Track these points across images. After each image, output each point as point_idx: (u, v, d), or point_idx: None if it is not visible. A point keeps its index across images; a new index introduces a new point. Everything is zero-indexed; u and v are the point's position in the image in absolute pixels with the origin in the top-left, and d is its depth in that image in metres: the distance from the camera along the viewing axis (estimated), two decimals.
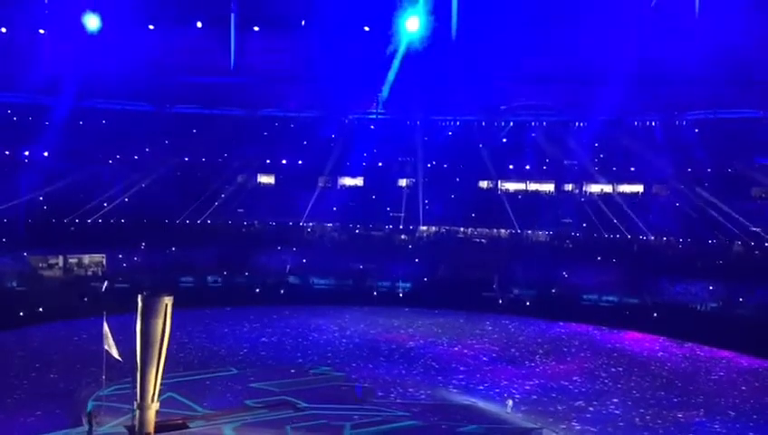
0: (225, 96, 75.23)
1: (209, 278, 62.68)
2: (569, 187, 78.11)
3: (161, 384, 27.92)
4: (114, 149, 74.71)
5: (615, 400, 36.13)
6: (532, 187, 79.19)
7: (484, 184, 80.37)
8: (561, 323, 55.78)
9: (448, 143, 78.11)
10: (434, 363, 42.71)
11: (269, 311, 56.73)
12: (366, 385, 36.79)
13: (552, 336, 51.90)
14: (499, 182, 79.53)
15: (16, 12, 64.39)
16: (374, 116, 79.28)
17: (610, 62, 59.58)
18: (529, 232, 74.02)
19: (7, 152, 71.22)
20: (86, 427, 28.00)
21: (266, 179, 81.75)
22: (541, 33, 63.84)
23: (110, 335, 29.36)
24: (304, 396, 33.75)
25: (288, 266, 64.62)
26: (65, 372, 36.94)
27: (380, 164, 79.19)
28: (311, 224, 75.82)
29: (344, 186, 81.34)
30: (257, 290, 61.28)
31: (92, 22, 61.34)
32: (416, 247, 72.29)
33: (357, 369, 40.43)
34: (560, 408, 34.41)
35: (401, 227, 75.63)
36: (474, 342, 49.18)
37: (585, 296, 59.53)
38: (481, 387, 37.87)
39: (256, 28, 69.87)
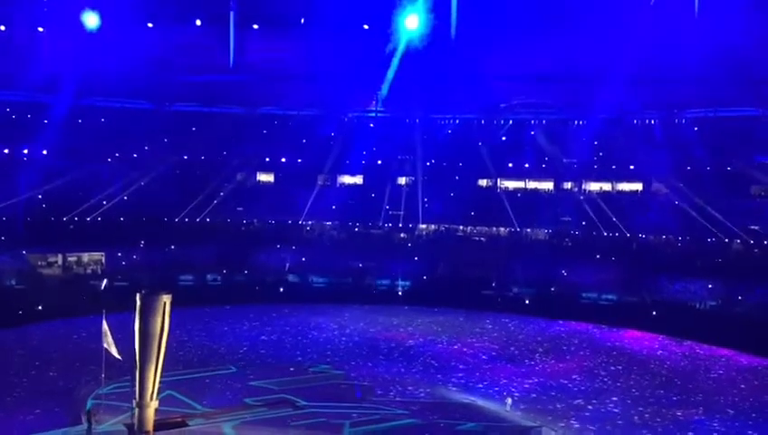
0: (224, 94, 75.13)
1: (209, 277, 62.69)
2: (568, 185, 78.09)
3: (160, 382, 27.91)
4: (113, 147, 74.62)
5: (614, 398, 36.15)
6: (532, 185, 79.15)
7: (483, 182, 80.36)
8: (561, 322, 55.82)
9: (448, 141, 78.08)
10: (433, 362, 42.73)
11: (268, 309, 56.78)
12: (365, 384, 36.82)
13: (552, 335, 51.92)
14: (498, 180, 79.51)
15: (15, 10, 64.29)
16: (373, 114, 79.24)
17: (610, 60, 59.52)
18: (528, 230, 74.04)
19: (6, 150, 71.21)
20: (85, 425, 28.00)
21: (266, 178, 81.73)
22: (540, 31, 63.76)
23: (109, 334, 29.34)
24: (304, 394, 33.75)
25: (287, 265, 64.64)
26: (65, 371, 36.94)
27: (380, 162, 79.16)
28: (310, 222, 75.83)
29: (343, 184, 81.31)
30: (257, 288, 61.26)
31: (91, 20, 61.26)
32: (415, 246, 72.33)
33: (356, 367, 40.45)
34: (559, 406, 34.42)
35: (401, 225, 75.66)
36: (473, 340, 49.19)
37: (584, 295, 59.55)
38: (480, 385, 37.89)
39: (256, 26, 69.78)
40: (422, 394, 35.91)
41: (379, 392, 35.58)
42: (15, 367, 37.41)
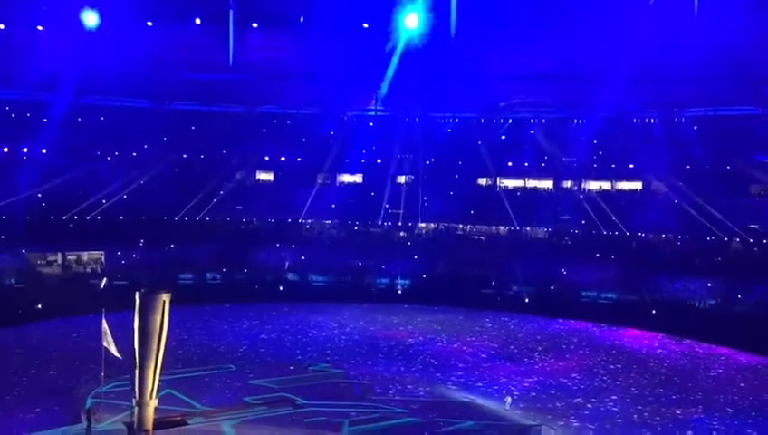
0: (223, 93, 75.12)
1: (208, 275, 62.69)
2: (567, 184, 78.12)
3: (160, 381, 27.92)
4: (113, 146, 74.64)
5: (613, 397, 36.17)
6: (531, 184, 79.18)
7: (482, 181, 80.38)
8: (561, 321, 55.85)
9: (447, 140, 78.13)
10: (433, 360, 42.74)
11: (268, 308, 56.77)
12: (365, 382, 36.85)
13: (551, 333, 51.94)
14: (498, 179, 79.54)
15: (15, 8, 64.26)
16: (373, 113, 79.24)
17: (609, 59, 59.55)
18: (528, 229, 74.06)
19: (6, 149, 71.17)
20: (85, 423, 28.01)
21: (265, 176, 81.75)
22: (540, 30, 63.74)
23: (109, 332, 29.33)
24: (303, 393, 33.77)
25: (287, 263, 64.63)
26: (64, 369, 36.95)
27: (379, 161, 79.16)
28: (310, 221, 75.85)
29: (343, 183, 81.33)
30: (256, 287, 61.26)
31: (91, 18, 61.26)
32: (414, 244, 72.32)
33: (356, 366, 40.46)
34: (558, 405, 34.44)
35: (400, 223, 75.67)
36: (473, 339, 49.20)
37: (584, 293, 59.56)
38: (480, 384, 37.90)
39: (255, 25, 69.76)
40: (421, 393, 35.92)
41: (379, 391, 35.60)
42: (15, 366, 37.40)
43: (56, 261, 61.71)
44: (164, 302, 26.91)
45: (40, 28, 64.44)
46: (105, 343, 29.33)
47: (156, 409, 27.76)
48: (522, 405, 34.03)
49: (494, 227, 75.51)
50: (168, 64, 68.34)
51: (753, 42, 57.06)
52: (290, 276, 63.87)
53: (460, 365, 41.82)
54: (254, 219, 75.83)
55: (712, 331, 49.72)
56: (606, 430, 30.95)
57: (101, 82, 65.76)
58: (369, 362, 41.56)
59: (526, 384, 38.02)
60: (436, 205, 73.96)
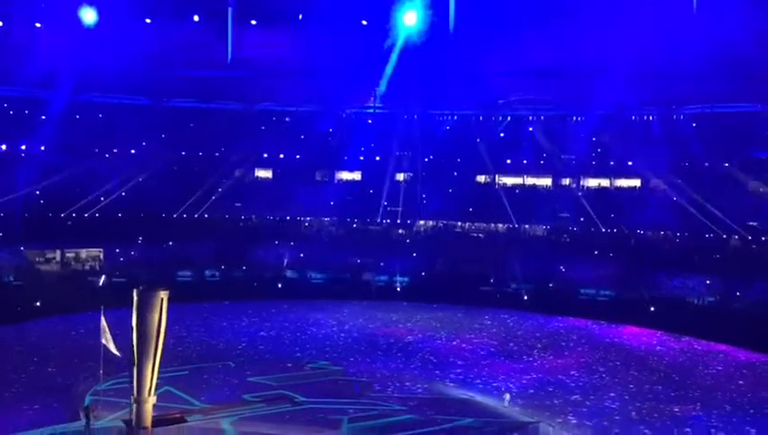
0: (222, 90, 75.10)
1: (207, 272, 62.68)
2: (566, 181, 78.16)
3: (159, 378, 27.93)
4: (111, 143, 74.65)
5: (612, 394, 36.20)
6: (530, 181, 79.19)
7: (481, 178, 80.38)
8: (560, 318, 55.89)
9: (446, 137, 78.13)
10: (432, 358, 42.77)
11: (267, 305, 56.78)
12: (363, 379, 36.86)
13: (550, 330, 51.98)
14: (496, 177, 79.56)
15: (13, 5, 64.18)
16: (372, 110, 79.22)
17: (608, 56, 59.54)
18: (526, 226, 74.08)
19: (4, 146, 71.12)
20: (83, 421, 27.99)
21: (264, 174, 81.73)
22: (539, 27, 63.71)
23: (107, 330, 29.34)
24: (302, 390, 33.72)
25: (286, 261, 64.63)
26: (63, 367, 36.95)
27: (378, 158, 79.17)
28: (308, 218, 75.83)
29: (342, 180, 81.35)
30: (255, 284, 61.27)
31: (89, 15, 61.19)
32: (413, 242, 72.33)
33: (355, 363, 40.47)
34: (556, 402, 34.47)
35: (399, 221, 75.68)
36: (472, 336, 49.22)
37: (583, 291, 59.62)
38: (478, 381, 37.93)
39: (254, 22, 69.70)
40: (420, 390, 35.94)
41: (378, 388, 35.60)
42: (14, 363, 37.40)
43: (55, 258, 61.70)
44: (162, 299, 26.95)
45: (38, 25, 64.39)
46: (104, 341, 29.34)
47: (154, 406, 27.83)
48: (520, 402, 34.05)
49: (492, 225, 75.51)
50: (167, 61, 68.32)
51: (752, 38, 57.03)
52: (289, 274, 63.88)
53: (459, 362, 41.85)
54: (253, 217, 75.80)
55: (711, 328, 49.79)
56: (603, 426, 30.95)
57: (100, 79, 65.72)
58: (368, 360, 41.59)
59: (525, 381, 38.05)
60: (435, 202, 73.99)
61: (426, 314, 55.81)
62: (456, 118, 79.51)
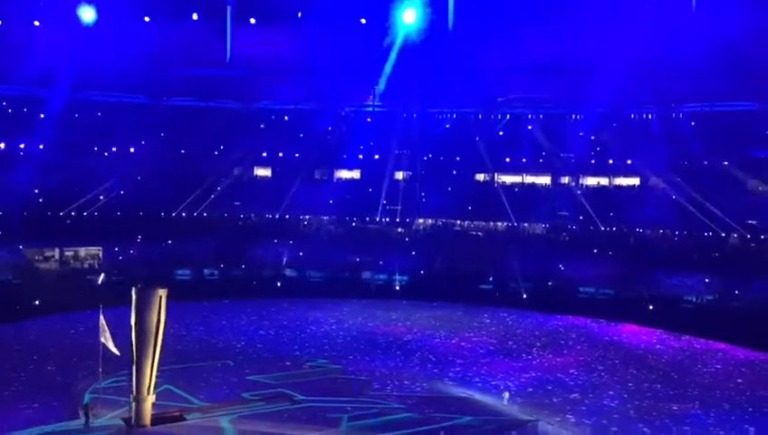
0: (221, 89, 75.09)
1: (206, 271, 62.69)
2: (565, 179, 78.17)
3: (158, 377, 27.95)
4: (110, 141, 74.58)
5: (611, 392, 36.22)
6: (529, 179, 79.19)
7: (480, 177, 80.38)
8: (559, 316, 55.94)
9: (445, 136, 78.11)
10: (431, 356, 42.78)
11: (266, 304, 56.80)
12: (363, 378, 36.89)
13: (550, 329, 52.02)
14: (496, 175, 79.57)
15: (12, 4, 64.11)
16: (371, 109, 79.20)
17: (607, 54, 59.54)
18: (525, 225, 74.09)
19: (2, 145, 71.03)
20: (83, 419, 28.01)
21: (263, 172, 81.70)
22: (538, 25, 63.72)
23: (106, 329, 29.35)
24: (301, 389, 33.77)
25: (285, 259, 64.64)
26: (62, 365, 36.96)
27: (377, 157, 79.16)
28: (307, 217, 75.81)
29: (341, 179, 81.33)
30: (254, 283, 61.28)
31: (88, 14, 61.14)
32: (412, 240, 72.34)
33: (354, 362, 40.49)
34: (555, 400, 34.49)
35: (398, 219, 75.68)
36: (471, 334, 49.25)
37: (582, 289, 59.69)
38: (477, 380, 37.94)
39: (252, 20, 69.64)
40: (419, 389, 35.96)
41: (377, 387, 35.63)
42: (13, 361, 37.41)
43: (54, 257, 61.71)
44: (161, 297, 26.98)
45: (37, 24, 64.32)
46: (103, 339, 29.35)
47: (154, 404, 27.88)
48: (519, 400, 34.07)
49: (491, 223, 75.52)
50: (166, 60, 68.27)
51: (751, 36, 57.07)
52: (288, 272, 63.89)
53: (458, 361, 41.86)
54: (252, 215, 75.77)
55: (710, 326, 49.85)
56: (602, 425, 30.98)
57: (99, 77, 65.70)
58: (367, 358, 41.59)
59: (524, 380, 38.07)
60: (434, 201, 73.99)
61: (425, 313, 55.84)
62: (455, 116, 79.54)
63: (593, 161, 76.69)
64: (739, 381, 39.46)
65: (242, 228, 72.90)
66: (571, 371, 40.23)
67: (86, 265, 61.81)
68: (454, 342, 46.96)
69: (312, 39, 67.42)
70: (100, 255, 62.68)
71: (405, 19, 62.13)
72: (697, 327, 50.64)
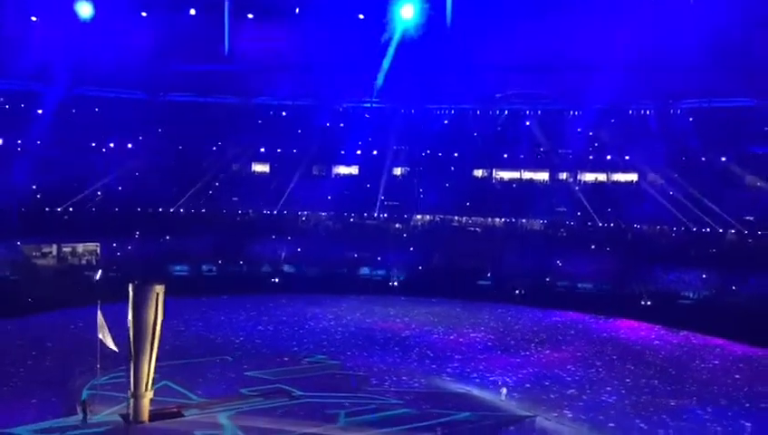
0: (219, 84, 74.88)
1: (204, 267, 62.70)
2: (563, 175, 78.19)
3: (156, 372, 27.97)
4: (107, 137, 74.43)
5: (608, 388, 36.29)
6: (527, 175, 79.22)
7: (478, 173, 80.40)
8: (557, 312, 56.02)
9: (443, 132, 78.03)
10: (429, 352, 42.83)
11: (265, 299, 56.88)
12: (360, 374, 36.93)
13: (548, 325, 52.09)
14: (494, 171, 79.56)
15: None
16: (369, 105, 79.10)
17: (605, 50, 59.45)
18: (523, 221, 74.14)
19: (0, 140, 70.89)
20: (81, 415, 28.04)
21: (261, 168, 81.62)
22: (535, 21, 63.58)
23: (104, 325, 29.35)
24: (299, 384, 33.84)
25: (283, 255, 64.63)
26: (60, 361, 36.90)
27: (375, 153, 79.10)
28: (305, 213, 75.78)
29: (339, 174, 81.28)
30: (252, 279, 61.28)
31: (85, 9, 60.88)
32: (410, 236, 72.36)
33: (352, 357, 40.53)
34: (553, 396, 34.55)
35: (396, 215, 75.65)
36: (469, 330, 49.31)
37: (580, 285, 59.78)
38: (475, 375, 37.99)
39: (250, 15, 69.41)
40: (417, 384, 36.00)
41: (375, 382, 35.68)
42: (11, 357, 37.38)
43: (51, 253, 61.66)
44: (158, 294, 26.99)
45: (34, 19, 64.06)
46: (101, 336, 29.36)
47: (152, 400, 27.90)
48: (517, 396, 34.13)
49: (489, 219, 75.56)
50: (163, 55, 68.04)
51: (750, 31, 57.03)
52: (286, 268, 63.92)
53: (456, 357, 41.90)
54: (250, 211, 75.74)
55: (707, 322, 49.96)
56: (599, 420, 31.07)
57: (96, 73, 65.51)
58: (366, 354, 41.61)
59: (521, 375, 38.12)
60: (432, 196, 73.94)
61: (423, 309, 55.89)
62: (453, 112, 79.43)
63: (591, 157, 76.71)
64: (737, 376, 39.55)
65: (240, 224, 72.87)
66: (569, 366, 40.29)
67: (84, 262, 61.79)
68: (452, 338, 47.00)
69: (309, 34, 67.20)
70: (98, 251, 62.64)
71: (403, 15, 61.91)
72: (695, 323, 50.77)
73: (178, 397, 31.15)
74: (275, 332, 46.96)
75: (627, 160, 74.73)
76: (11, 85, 68.10)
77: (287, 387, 33.41)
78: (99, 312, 29.24)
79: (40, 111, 68.35)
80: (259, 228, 70.15)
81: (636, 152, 72.20)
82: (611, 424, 30.64)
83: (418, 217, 76.58)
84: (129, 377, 27.38)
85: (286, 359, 39.27)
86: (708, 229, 64.57)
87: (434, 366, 39.66)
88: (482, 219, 75.81)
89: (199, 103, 76.88)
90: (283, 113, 79.84)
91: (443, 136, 77.62)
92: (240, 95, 77.17)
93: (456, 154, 79.49)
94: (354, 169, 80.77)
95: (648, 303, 55.02)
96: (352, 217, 76.01)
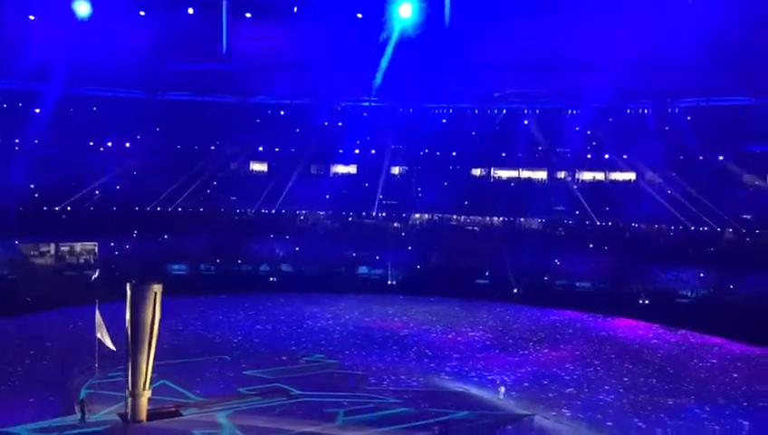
0: (217, 83, 74.75)
1: (202, 266, 62.69)
2: (561, 174, 78.22)
3: (154, 372, 27.95)
4: (106, 136, 74.36)
5: (606, 387, 36.32)
6: (525, 174, 79.26)
7: (476, 172, 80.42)
8: (555, 311, 56.05)
9: (441, 131, 78.00)
10: (427, 351, 42.84)
11: (263, 299, 56.88)
12: (359, 373, 36.94)
13: (546, 324, 52.13)
14: (492, 170, 79.58)
15: None
16: (367, 104, 79.06)
17: (604, 49, 59.43)
18: (522, 220, 74.18)
19: None
20: (79, 414, 28.02)
21: (259, 167, 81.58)
22: (534, 20, 63.53)
23: (102, 324, 29.33)
24: (298, 383, 33.85)
25: (281, 254, 64.62)
26: (58, 360, 36.90)
27: (373, 152, 79.08)
28: (304, 212, 75.76)
29: (337, 173, 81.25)
30: (250, 278, 61.26)
31: (83, 8, 60.78)
32: (409, 235, 72.37)
33: (350, 356, 40.54)
34: (551, 395, 34.57)
35: (394, 214, 75.64)
36: (468, 329, 49.34)
37: (578, 284, 59.82)
38: (474, 374, 38.00)
39: (248, 14, 69.32)
40: (416, 383, 36.01)
41: (373, 381, 35.69)
42: (9, 356, 37.35)
43: (49, 252, 61.60)
44: (155, 293, 26.97)
45: (32, 18, 63.94)
46: (99, 335, 29.34)
47: (150, 400, 27.89)
48: (515, 395, 34.15)
49: (487, 218, 75.59)
50: (161, 54, 67.92)
51: (748, 30, 57.00)
52: (284, 267, 63.90)
53: (454, 356, 41.92)
54: (248, 210, 75.72)
55: (705, 321, 50.02)
56: (597, 419, 31.09)
57: (94, 72, 65.38)
58: (364, 353, 41.62)
59: (520, 374, 38.15)
60: (431, 195, 73.93)
61: (421, 308, 55.92)
62: (451, 111, 79.39)
63: (589, 156, 76.74)
64: (735, 375, 39.60)
65: (238, 223, 72.83)
66: (567, 365, 40.33)
67: (82, 261, 61.74)
68: (450, 336, 47.03)
69: (308, 33, 67.10)
70: (96, 250, 62.60)
71: (401, 14, 61.88)
72: (693, 322, 50.84)
73: (177, 396, 31.14)
74: (274, 331, 46.96)
75: (625, 159, 74.76)
76: (8, 85, 67.96)
77: (285, 386, 33.42)
78: (97, 311, 29.22)
79: (38, 111, 68.23)
80: (257, 228, 70.16)
81: (634, 151, 72.24)
82: (609, 423, 30.66)
83: (417, 216, 76.58)
84: (127, 376, 27.36)
85: (284, 358, 39.28)
86: (706, 228, 64.62)
87: (432, 365, 39.68)
88: (480, 218, 75.84)
89: (197, 102, 76.75)
90: (282, 112, 79.75)
91: (441, 135, 77.57)
92: (238, 94, 77.06)
93: (454, 153, 79.48)
94: (352, 168, 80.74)
95: (646, 301, 55.05)
96: (351, 216, 76.00)
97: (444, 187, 74.52)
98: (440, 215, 76.07)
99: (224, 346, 41.86)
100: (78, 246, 62.50)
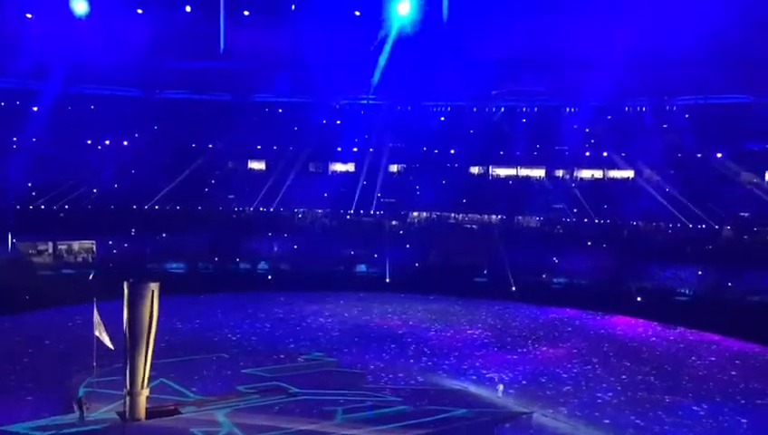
0: (214, 81, 74.65)
1: (200, 264, 62.65)
2: (560, 172, 78.27)
3: (152, 370, 27.93)
4: (103, 134, 74.27)
5: (604, 384, 36.35)
6: (523, 172, 79.29)
7: (474, 170, 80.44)
8: (554, 309, 56.07)
9: (440, 128, 77.99)
10: (425, 349, 42.85)
11: (262, 297, 56.83)
12: (357, 371, 36.95)
13: (545, 322, 52.16)
14: (490, 168, 79.59)
15: None
16: (365, 102, 79.01)
17: (602, 46, 59.43)
18: (520, 218, 74.23)
19: None
20: (77, 413, 28.00)
21: (257, 165, 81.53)
22: (532, 17, 63.53)
23: (101, 323, 29.29)
24: (296, 382, 33.84)
25: (279, 252, 64.59)
26: (56, 359, 36.89)
27: (371, 150, 79.05)
28: (302, 210, 75.74)
29: (335, 172, 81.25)
30: (249, 276, 61.24)
31: (80, 6, 60.67)
32: (407, 233, 72.38)
33: (349, 354, 40.54)
34: (549, 393, 34.60)
35: (392, 212, 75.61)
36: (466, 327, 49.37)
37: (576, 281, 59.83)
38: (472, 372, 38.02)
39: (246, 12, 69.23)
40: (414, 381, 36.01)
41: (371, 379, 35.69)
42: (7, 355, 37.31)
43: (47, 250, 61.53)
44: (153, 292, 26.95)
45: (29, 16, 63.81)
46: (97, 333, 29.31)
47: (148, 398, 27.87)
48: (513, 393, 34.18)
49: (486, 216, 75.63)
50: (159, 52, 67.83)
51: (747, 28, 57.01)
52: (282, 265, 63.86)
53: (453, 353, 41.92)
54: (247, 208, 75.71)
55: (703, 318, 50.07)
56: (594, 416, 31.12)
57: (91, 70, 65.27)
58: (362, 351, 41.62)
59: (518, 372, 38.17)
60: (429, 193, 73.95)
61: (420, 306, 55.93)
62: (449, 109, 79.36)
63: (588, 154, 76.78)
64: (733, 373, 39.65)
65: (236, 221, 72.81)
66: (566, 363, 40.35)
67: (79, 259, 61.68)
68: (449, 334, 47.05)
69: (306, 31, 67.07)
70: (94, 248, 62.55)
71: (399, 11, 61.83)
72: (691, 319, 50.85)
73: (175, 394, 31.12)
74: (272, 329, 46.95)
75: (623, 157, 74.82)
76: (6, 83, 67.84)
77: (284, 384, 33.40)
78: (95, 310, 29.19)
79: (35, 109, 68.12)
80: (255, 226, 70.14)
81: (632, 149, 72.29)
82: (607, 420, 30.68)
83: (415, 214, 76.58)
84: (125, 375, 27.33)
85: (283, 356, 39.27)
86: (704, 226, 64.69)
87: (430, 363, 39.69)
88: (478, 216, 75.88)
89: (195, 100, 76.63)
90: (280, 110, 79.69)
91: (439, 133, 77.53)
92: (236, 92, 76.95)
93: (452, 151, 79.50)
94: (350, 166, 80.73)
95: (644, 299, 55.10)
96: (349, 214, 76.02)
97: (442, 185, 74.55)
98: (438, 213, 76.09)
99: (222, 344, 41.84)
100: (76, 245, 62.42)
